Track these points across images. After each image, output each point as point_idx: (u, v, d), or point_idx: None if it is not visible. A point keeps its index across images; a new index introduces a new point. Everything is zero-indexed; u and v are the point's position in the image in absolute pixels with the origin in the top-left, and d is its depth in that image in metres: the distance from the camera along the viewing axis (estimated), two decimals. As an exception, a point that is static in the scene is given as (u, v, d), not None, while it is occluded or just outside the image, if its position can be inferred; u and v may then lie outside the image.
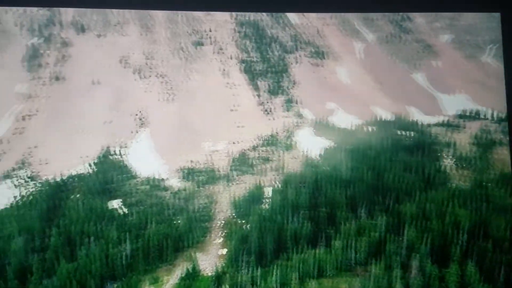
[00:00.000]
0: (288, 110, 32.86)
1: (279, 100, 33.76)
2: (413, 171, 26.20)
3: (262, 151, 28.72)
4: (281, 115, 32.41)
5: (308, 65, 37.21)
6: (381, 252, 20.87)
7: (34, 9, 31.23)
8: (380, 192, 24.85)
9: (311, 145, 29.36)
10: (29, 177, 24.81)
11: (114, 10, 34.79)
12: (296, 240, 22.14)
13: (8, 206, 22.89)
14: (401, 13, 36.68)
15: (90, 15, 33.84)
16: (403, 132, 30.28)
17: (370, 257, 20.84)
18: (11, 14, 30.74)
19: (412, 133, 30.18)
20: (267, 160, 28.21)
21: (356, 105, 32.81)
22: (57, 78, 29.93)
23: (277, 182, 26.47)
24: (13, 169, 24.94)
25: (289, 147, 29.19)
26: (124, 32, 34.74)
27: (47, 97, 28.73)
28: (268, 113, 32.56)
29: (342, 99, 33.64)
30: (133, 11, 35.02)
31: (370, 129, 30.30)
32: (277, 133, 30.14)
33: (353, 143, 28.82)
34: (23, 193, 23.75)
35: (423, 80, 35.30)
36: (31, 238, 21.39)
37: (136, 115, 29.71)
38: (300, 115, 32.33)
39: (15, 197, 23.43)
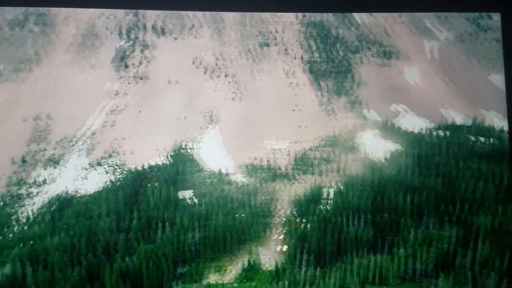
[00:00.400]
0: (351, 111, 30.99)
1: (342, 100, 31.98)
2: (489, 181, 23.13)
3: (323, 151, 27.49)
4: (344, 116, 30.65)
5: (374, 65, 34.66)
6: (449, 265, 18.72)
7: (122, 14, 33.08)
8: (450, 201, 22.19)
9: (375, 148, 27.40)
10: (117, 165, 26.55)
11: (190, 14, 35.64)
12: (356, 244, 20.85)
13: (99, 190, 24.77)
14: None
15: (170, 19, 35.04)
16: (479, 138, 26.96)
17: (437, 269, 18.83)
18: (104, 19, 32.91)
19: (490, 140, 26.72)
20: (328, 161, 26.95)
21: (425, 108, 29.70)
22: (140, 78, 31.55)
23: (338, 184, 25.23)
24: (104, 158, 26.87)
25: (351, 149, 27.54)
26: (198, 34, 35.45)
27: (133, 95, 30.40)
28: (330, 114, 31.04)
29: (410, 101, 30.75)
30: (207, 14, 35.57)
31: (441, 133, 27.30)
32: (339, 134, 28.62)
33: (421, 148, 26.23)
34: (112, 179, 25.48)
35: (502, 82, 30.90)
36: (117, 219, 22.87)
37: (206, 112, 30.31)
38: (364, 117, 30.30)
39: (105, 182, 25.23)
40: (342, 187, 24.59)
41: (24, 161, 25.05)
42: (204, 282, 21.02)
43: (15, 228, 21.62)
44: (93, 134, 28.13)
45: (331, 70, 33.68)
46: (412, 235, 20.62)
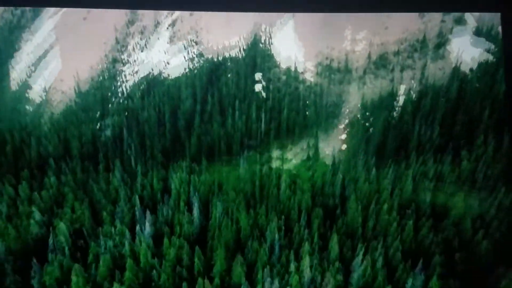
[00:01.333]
0: (448, 15, 27.76)
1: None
2: None
3: (406, 56, 26.17)
4: (437, 19, 27.73)
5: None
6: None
7: None
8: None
9: (466, 57, 25.12)
10: (196, 54, 28.84)
11: None
12: (419, 148, 21.33)
13: (179, 76, 27.76)
14: None
15: None
16: None
17: (499, 182, 18.90)
18: None
19: None
20: (409, 67, 25.78)
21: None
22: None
23: (414, 91, 24.55)
24: (185, 46, 29.10)
25: (438, 56, 25.67)
26: None
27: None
28: (424, 17, 28.31)
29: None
30: None
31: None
32: (428, 39, 26.45)
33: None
34: (191, 66, 28.09)
35: None
36: (194, 103, 26.15)
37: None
38: (460, 21, 27.12)
39: (184, 69, 27.99)
40: (416, 95, 24.03)
41: (117, 42, 28.66)
42: (268, 154, 24.34)
43: (114, 99, 26.19)
44: (176, 22, 30.12)
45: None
46: (482, 147, 20.32)
